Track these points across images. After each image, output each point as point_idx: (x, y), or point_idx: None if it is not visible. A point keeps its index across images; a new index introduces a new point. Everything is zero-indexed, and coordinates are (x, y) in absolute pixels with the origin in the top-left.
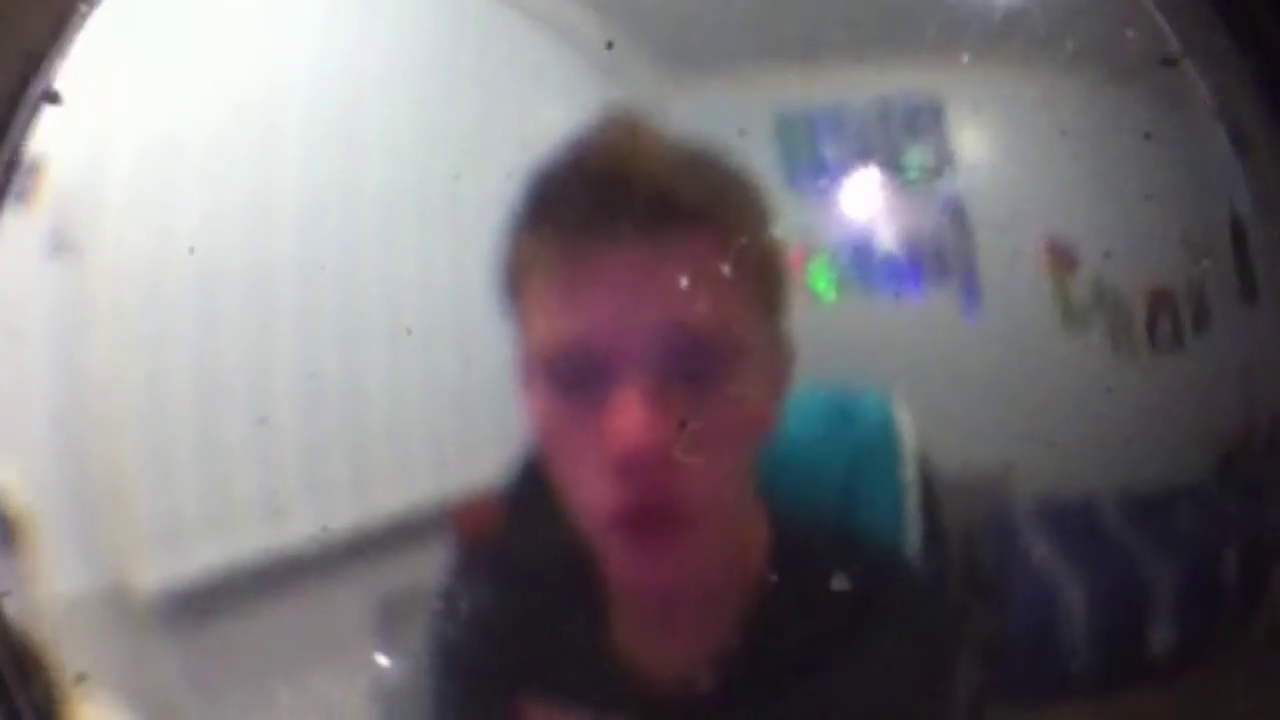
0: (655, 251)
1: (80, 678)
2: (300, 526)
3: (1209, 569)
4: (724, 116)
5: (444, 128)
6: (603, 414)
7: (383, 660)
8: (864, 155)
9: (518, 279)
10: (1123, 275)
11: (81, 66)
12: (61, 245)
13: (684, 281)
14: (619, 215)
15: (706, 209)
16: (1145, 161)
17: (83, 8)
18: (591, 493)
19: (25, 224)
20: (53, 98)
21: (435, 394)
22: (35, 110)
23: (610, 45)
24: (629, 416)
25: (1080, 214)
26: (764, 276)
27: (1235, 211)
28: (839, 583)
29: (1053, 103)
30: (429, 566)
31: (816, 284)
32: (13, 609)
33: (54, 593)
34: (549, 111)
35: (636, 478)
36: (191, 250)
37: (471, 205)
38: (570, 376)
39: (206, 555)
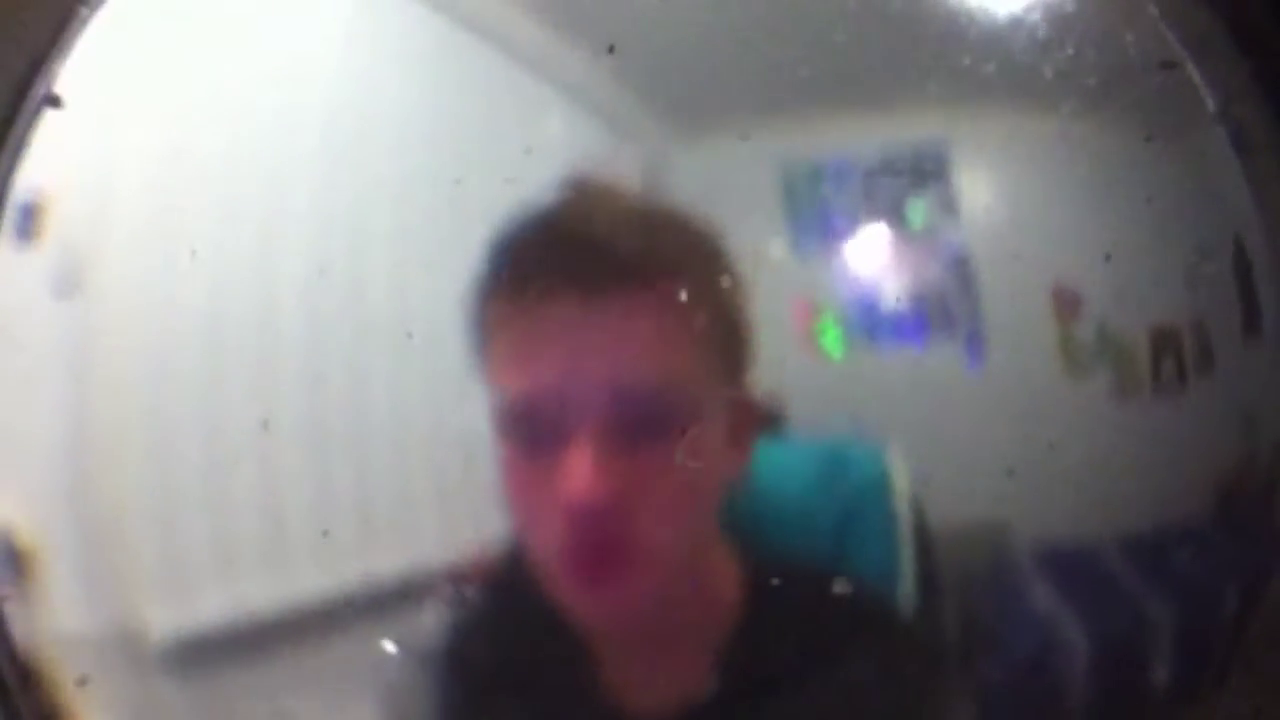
0: (603, 311)
1: (82, 681)
2: (307, 575)
3: (1206, 607)
4: (728, 170)
5: (445, 132)
6: (555, 470)
7: (390, 647)
8: (869, 207)
9: (483, 337)
10: (1127, 312)
11: (83, 76)
12: (68, 284)
13: (637, 341)
14: (569, 276)
15: (654, 268)
16: (1146, 165)
17: (83, 11)
18: (546, 547)
19: (31, 261)
20: (54, 101)
21: (440, 445)
22: (37, 114)
23: (612, 49)
24: (577, 475)
25: (1080, 217)
26: (721, 332)
27: (1239, 230)
28: (840, 586)
29: (1052, 107)
30: (432, 620)
31: (825, 340)
32: (20, 634)
33: (62, 630)
34: (551, 117)
35: (584, 531)
36: (197, 263)
37: (473, 209)
38: (528, 432)
39: (213, 601)
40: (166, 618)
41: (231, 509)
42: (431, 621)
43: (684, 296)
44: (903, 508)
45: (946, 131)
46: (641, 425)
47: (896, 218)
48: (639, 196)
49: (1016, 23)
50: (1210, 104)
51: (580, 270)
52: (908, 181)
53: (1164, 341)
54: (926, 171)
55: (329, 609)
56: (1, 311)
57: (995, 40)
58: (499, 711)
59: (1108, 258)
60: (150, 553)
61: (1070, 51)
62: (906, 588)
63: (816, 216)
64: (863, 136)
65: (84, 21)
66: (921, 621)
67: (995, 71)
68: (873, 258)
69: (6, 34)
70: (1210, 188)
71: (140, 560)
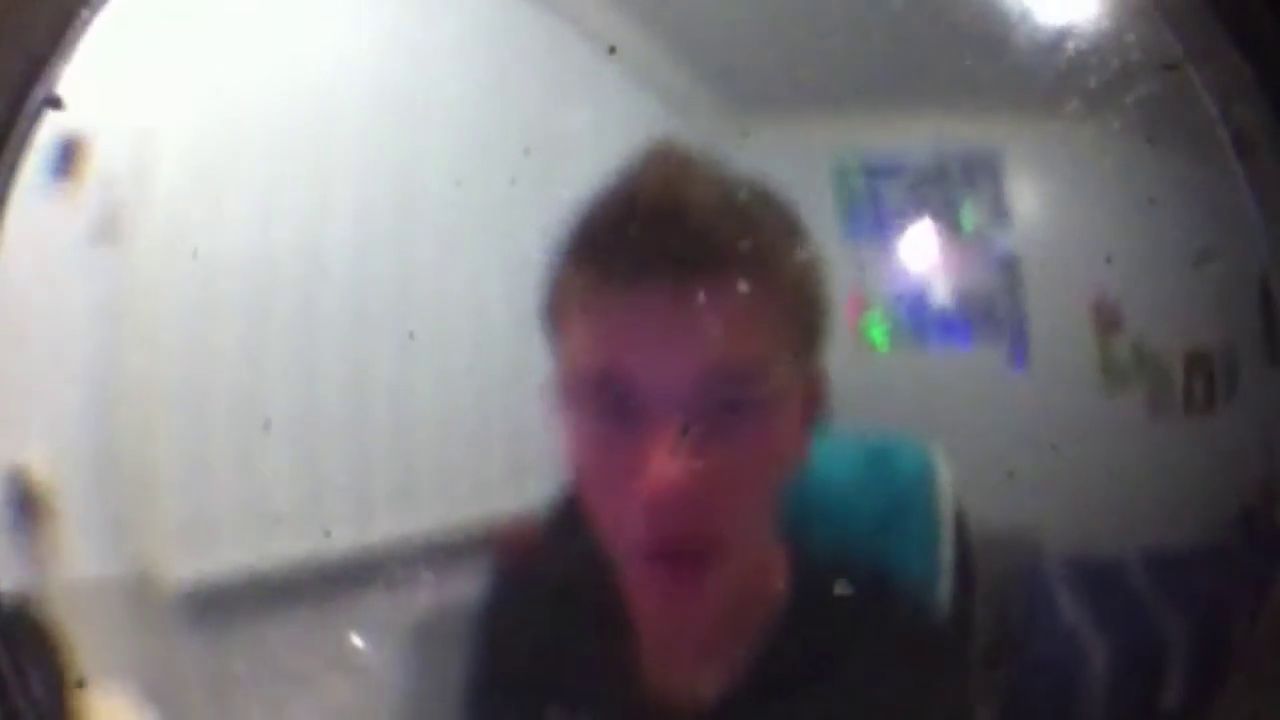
0: (696, 292)
1: (81, 683)
2: (334, 531)
3: (1223, 626)
4: (781, 163)
5: (447, 133)
6: (634, 450)
7: (357, 641)
8: (920, 206)
9: (559, 302)
10: (1162, 334)
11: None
12: (106, 230)
13: (725, 325)
14: (662, 252)
15: (752, 252)
16: (1148, 166)
17: (84, 12)
18: (619, 525)
19: (68, 203)
20: (54, 103)
21: (481, 413)
22: (37, 116)
23: (612, 50)
24: (661, 461)
25: (1080, 219)
26: (806, 320)
27: (1263, 270)
28: (841, 588)
29: (1053, 108)
30: (462, 585)
31: (872, 335)
32: (20, 594)
33: (71, 578)
34: (553, 119)
35: (664, 518)
36: (234, 215)
37: (474, 211)
38: (603, 406)
39: (233, 555)
40: (182, 569)
41: (257, 461)
42: (462, 591)
43: (776, 283)
44: (947, 507)
45: (948, 131)
46: (726, 411)
47: (941, 218)
48: (727, 174)
49: (1017, 24)
50: (1212, 106)
51: (677, 249)
52: (928, 182)
53: (1197, 363)
54: (947, 172)
55: (350, 566)
56: (35, 253)
57: (996, 42)
58: (526, 688)
59: (1108, 260)
60: (170, 503)
61: (1071, 53)
62: (945, 588)
63: (866, 211)
64: (872, 137)
65: (85, 23)
66: (955, 623)
67: (996, 73)
68: (922, 255)
69: (6, 35)
70: (1212, 189)
71: (158, 510)
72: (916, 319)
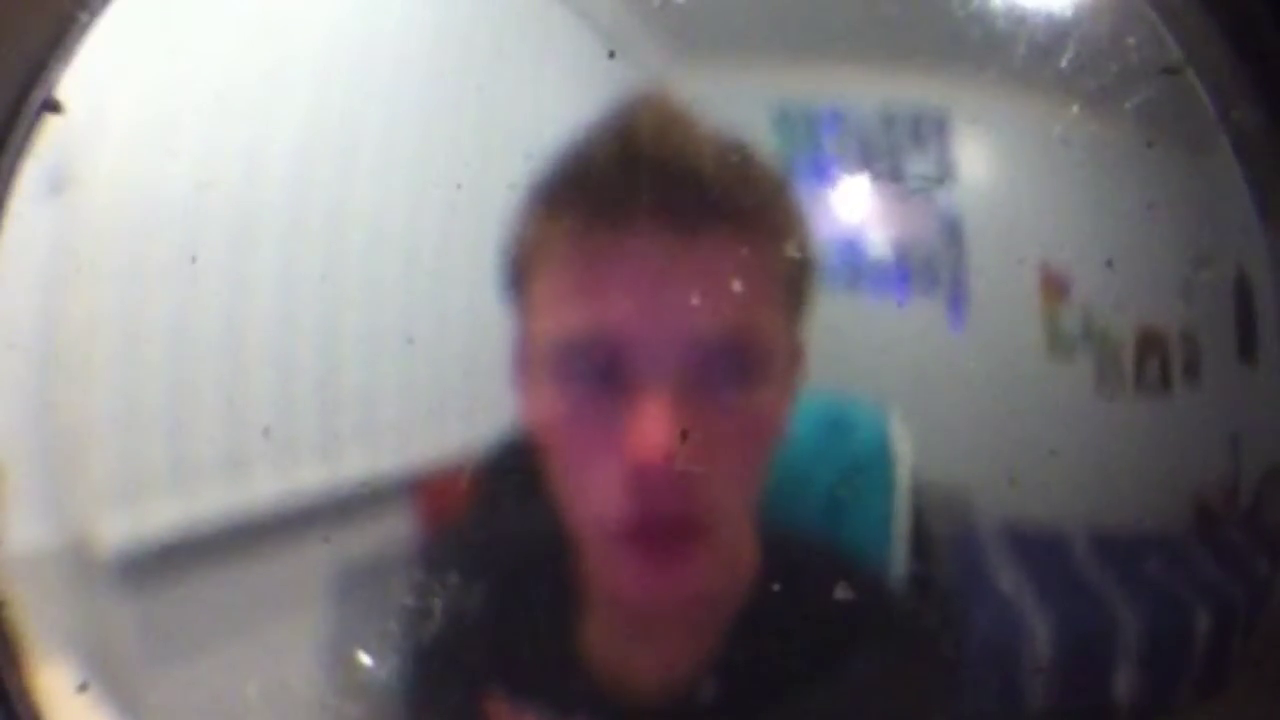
0: (692, 250)
1: (82, 688)
2: (264, 488)
3: (1176, 622)
4: (726, 107)
5: (446, 138)
6: (617, 417)
7: (365, 659)
8: (864, 158)
9: (530, 260)
10: (1116, 310)
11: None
12: (62, 182)
13: (724, 284)
14: (654, 205)
15: (749, 208)
16: (1147, 170)
17: (83, 17)
18: (595, 498)
19: (29, 162)
20: (54, 106)
21: (415, 370)
22: (36, 119)
23: (612, 55)
24: (650, 428)
25: (1082, 222)
26: (796, 281)
27: (1239, 246)
28: (842, 592)
29: (1054, 111)
30: (392, 537)
31: None
32: None
33: (14, 544)
34: (552, 122)
35: (650, 490)
36: (181, 163)
37: (474, 215)
38: (581, 371)
39: (168, 513)
40: (119, 531)
41: (193, 418)
42: (393, 543)
43: (772, 241)
44: (902, 476)
45: (949, 123)
46: (716, 376)
47: (892, 173)
48: (718, 129)
49: (1019, 27)
50: (1211, 110)
51: (671, 202)
52: (906, 144)
53: (1152, 344)
54: (926, 141)
55: (282, 518)
56: (35, 256)
57: (998, 44)
58: (464, 665)
59: (1109, 263)
60: (109, 467)
61: (1072, 56)
62: (898, 557)
63: (810, 159)
64: (855, 123)
65: (83, 27)
66: (910, 598)
67: (997, 75)
68: (862, 206)
69: (5, 39)
70: (1211, 194)
71: (98, 474)
72: (850, 267)
